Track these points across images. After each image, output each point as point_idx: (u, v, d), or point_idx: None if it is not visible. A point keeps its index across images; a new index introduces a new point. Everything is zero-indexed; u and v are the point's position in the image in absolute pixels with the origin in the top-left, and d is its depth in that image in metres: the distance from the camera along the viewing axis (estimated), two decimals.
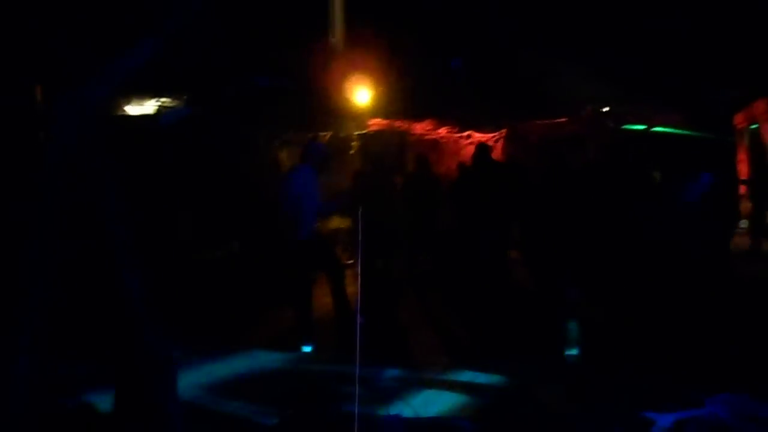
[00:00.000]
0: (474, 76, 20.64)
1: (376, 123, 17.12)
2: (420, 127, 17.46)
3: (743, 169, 15.05)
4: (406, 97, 17.65)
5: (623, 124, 17.36)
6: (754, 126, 15.75)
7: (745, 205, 12.22)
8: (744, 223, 11.96)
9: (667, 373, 5.38)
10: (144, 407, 3.95)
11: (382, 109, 17.40)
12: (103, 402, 4.64)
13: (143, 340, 3.91)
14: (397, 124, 17.35)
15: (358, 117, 16.90)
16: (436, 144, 16.98)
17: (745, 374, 4.82)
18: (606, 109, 18.43)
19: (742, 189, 12.96)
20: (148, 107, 15.89)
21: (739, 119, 16.72)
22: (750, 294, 8.47)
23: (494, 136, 17.11)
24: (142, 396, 3.95)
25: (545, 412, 4.58)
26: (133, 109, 15.49)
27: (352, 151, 15.63)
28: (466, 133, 17.23)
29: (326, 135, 15.69)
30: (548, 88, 18.51)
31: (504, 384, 5.75)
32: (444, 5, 20.31)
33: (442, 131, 17.42)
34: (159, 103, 16.10)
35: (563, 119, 17.98)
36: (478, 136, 17.04)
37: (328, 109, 16.36)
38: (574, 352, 6.82)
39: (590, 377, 5.74)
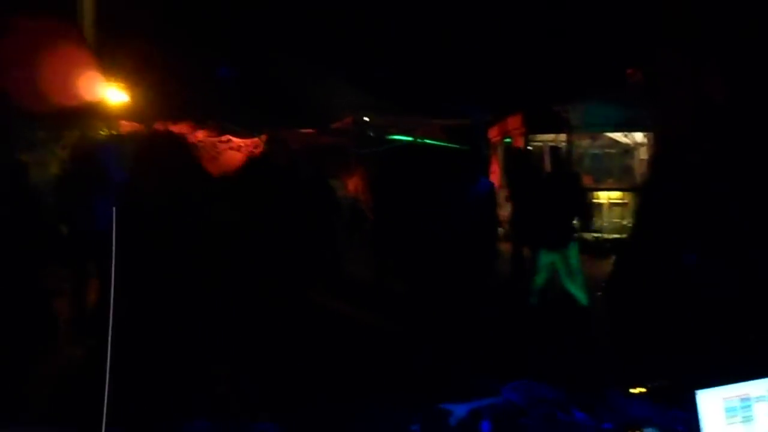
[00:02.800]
0: (239, 81, 20.45)
1: (128, 124, 16.34)
2: (176, 130, 16.89)
3: (496, 180, 15.94)
4: (163, 98, 17.03)
5: (386, 135, 17.91)
6: (507, 140, 16.83)
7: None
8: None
9: (462, 364, 5.62)
10: None
11: (136, 109, 16.65)
12: None
13: None
14: (152, 125, 16.66)
15: (109, 117, 15.99)
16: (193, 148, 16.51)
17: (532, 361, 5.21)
18: (367, 119, 18.93)
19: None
20: None
21: (493, 133, 17.82)
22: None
23: (254, 142, 16.94)
24: None
25: (338, 407, 4.53)
26: None
27: None
28: (224, 138, 16.90)
29: (72, 135, 14.69)
30: (313, 96, 18.73)
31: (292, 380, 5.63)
32: (209, 10, 19.98)
33: (200, 135, 16.96)
34: None
35: (326, 128, 18.26)
36: (237, 141, 16.82)
37: (76, 106, 15.33)
38: None
39: (386, 371, 5.80)
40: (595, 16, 17.56)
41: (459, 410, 2.85)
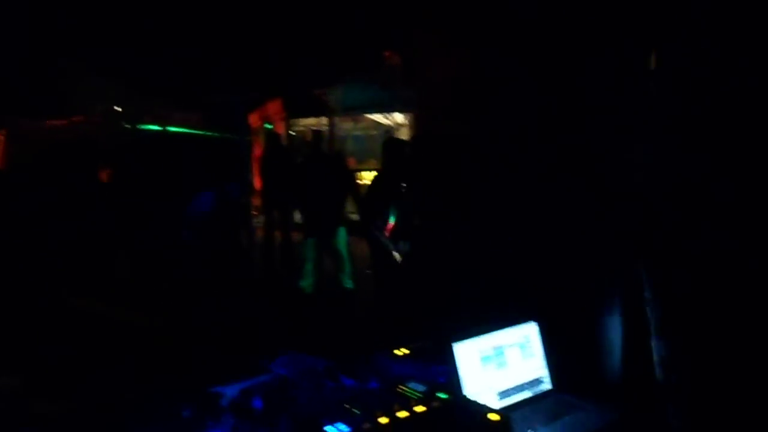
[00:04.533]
0: None
1: None
2: None
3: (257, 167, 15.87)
4: None
5: (139, 124, 17.42)
6: (268, 125, 16.91)
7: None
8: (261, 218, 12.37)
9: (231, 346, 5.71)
10: None
11: None
12: None
13: None
14: None
15: None
16: None
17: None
18: (119, 108, 18.30)
19: (258, 185, 13.45)
20: None
21: (254, 119, 17.84)
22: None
23: None
24: None
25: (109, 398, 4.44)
26: None
27: None
28: None
29: None
30: (61, 85, 17.85)
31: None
32: None
33: None
34: None
35: (74, 119, 17.43)
36: None
37: None
38: None
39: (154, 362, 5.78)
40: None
41: (230, 391, 2.90)
